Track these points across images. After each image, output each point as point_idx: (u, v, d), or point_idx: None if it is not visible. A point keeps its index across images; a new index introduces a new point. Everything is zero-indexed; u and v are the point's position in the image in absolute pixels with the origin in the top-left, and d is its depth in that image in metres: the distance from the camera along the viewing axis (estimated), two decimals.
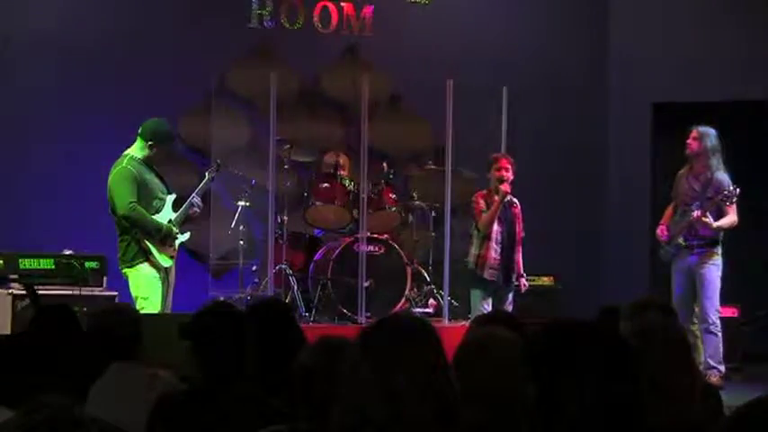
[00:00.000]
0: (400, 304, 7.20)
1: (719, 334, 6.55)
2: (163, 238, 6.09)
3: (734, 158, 6.86)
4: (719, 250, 6.65)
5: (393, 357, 1.97)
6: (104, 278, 6.65)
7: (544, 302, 7.77)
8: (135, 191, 6.01)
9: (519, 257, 6.72)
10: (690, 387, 2.51)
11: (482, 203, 6.65)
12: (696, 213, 6.58)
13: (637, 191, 8.62)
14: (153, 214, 6.10)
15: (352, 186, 7.41)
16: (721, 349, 6.56)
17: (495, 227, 6.60)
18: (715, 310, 6.58)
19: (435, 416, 1.93)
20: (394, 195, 7.51)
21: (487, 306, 6.51)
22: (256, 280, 7.52)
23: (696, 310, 6.59)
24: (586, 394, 1.96)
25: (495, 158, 6.71)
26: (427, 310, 7.48)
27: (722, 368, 6.54)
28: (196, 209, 6.32)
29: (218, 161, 6.67)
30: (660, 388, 2.37)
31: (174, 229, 6.16)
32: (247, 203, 7.52)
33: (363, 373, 1.96)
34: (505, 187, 6.54)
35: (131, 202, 5.98)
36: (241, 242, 7.57)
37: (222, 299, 6.77)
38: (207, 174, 6.50)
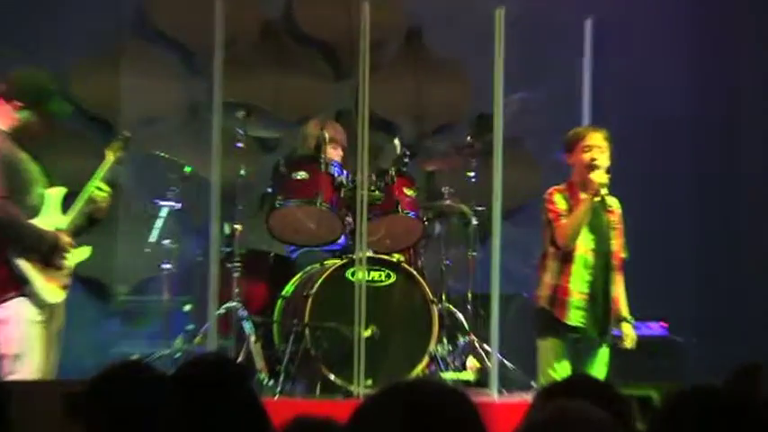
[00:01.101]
0: (421, 366, 7.22)
1: None
2: (47, 254, 6.05)
3: None
4: None
5: None
6: None
7: (653, 361, 7.82)
8: (1, 179, 5.99)
9: (620, 291, 6.67)
10: None
11: (560, 204, 6.61)
12: None
13: None
14: (29, 217, 6.06)
15: (344, 178, 7.41)
16: None
17: (583, 242, 6.56)
18: None
19: None
20: (411, 191, 7.49)
21: (563, 369, 6.51)
22: (190, 326, 7.54)
23: None
24: None
25: (579, 133, 6.68)
26: (465, 375, 7.50)
27: None
28: (101, 203, 6.28)
29: (126, 133, 6.64)
30: None
31: (65, 239, 6.13)
32: (177, 205, 7.56)
33: None
34: (599, 178, 6.49)
35: None
36: (167, 267, 7.61)
37: (136, 357, 6.78)
38: (108, 152, 6.44)
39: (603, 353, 6.63)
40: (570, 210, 6.59)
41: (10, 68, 6.26)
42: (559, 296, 6.58)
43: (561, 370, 6.49)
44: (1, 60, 6.75)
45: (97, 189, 6.29)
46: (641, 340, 7.69)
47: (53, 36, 7.94)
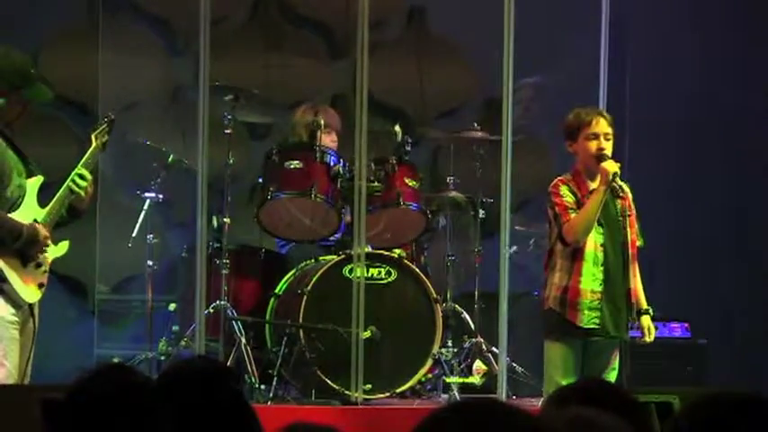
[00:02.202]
0: (425, 369, 7.26)
1: None
2: (24, 248, 6.02)
3: None
4: None
5: None
6: None
7: (674, 367, 7.84)
8: None
9: (636, 283, 6.63)
10: None
11: (567, 197, 6.57)
12: None
13: None
14: (8, 210, 6.05)
15: (340, 167, 7.43)
16: None
17: (593, 236, 6.53)
18: None
19: None
20: (413, 182, 7.51)
21: (572, 373, 6.47)
22: (176, 328, 7.59)
23: None
24: None
25: (583, 119, 6.61)
26: (471, 379, 7.50)
27: None
28: (81, 192, 6.23)
29: (111, 115, 6.58)
30: None
31: (43, 233, 6.10)
32: (160, 196, 7.61)
33: None
34: (612, 167, 6.44)
35: None
36: (150, 264, 7.65)
37: (117, 360, 6.77)
38: (93, 136, 6.35)
39: (615, 355, 6.61)
40: (578, 202, 6.53)
41: None
42: (570, 298, 6.52)
43: (569, 374, 6.46)
44: None
45: (79, 177, 6.24)
46: (664, 342, 7.78)
47: (30, 12, 7.91)
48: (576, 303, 6.50)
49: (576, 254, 6.52)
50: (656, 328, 6.88)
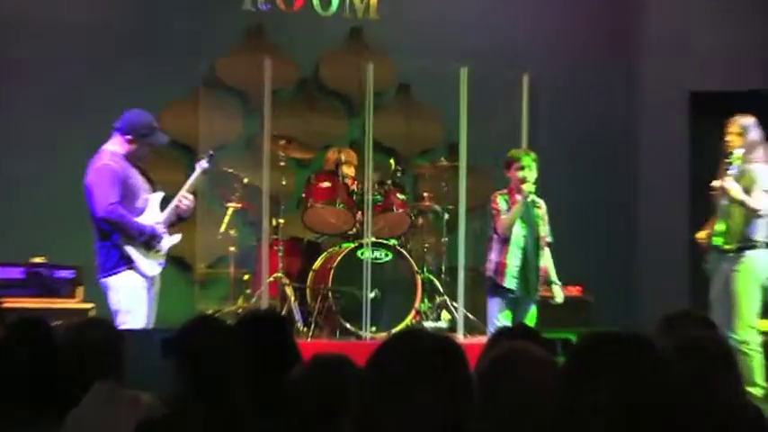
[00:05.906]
0: (410, 317, 7.18)
1: (753, 353, 6.34)
2: (147, 241, 5.98)
3: None
4: (755, 255, 6.36)
5: (408, 383, 1.91)
6: (79, 289, 6.60)
7: (571, 315, 7.58)
8: (116, 190, 5.84)
9: (548, 262, 6.62)
10: (731, 406, 2.49)
11: (501, 204, 6.57)
12: (717, 183, 6.46)
13: (674, 189, 8.54)
14: (137, 216, 5.99)
15: (355, 186, 7.40)
16: (758, 370, 6.36)
17: (517, 230, 6.53)
18: (747, 325, 6.30)
19: None
20: (402, 196, 7.50)
21: (506, 319, 6.40)
22: (248, 291, 7.52)
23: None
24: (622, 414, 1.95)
25: (515, 155, 6.60)
26: (440, 324, 7.44)
27: (754, 391, 6.35)
28: (187, 203, 6.11)
29: (211, 152, 6.42)
30: (701, 407, 2.35)
31: (160, 230, 6.09)
32: (238, 205, 7.51)
33: (374, 398, 1.92)
34: (528, 188, 6.46)
35: (112, 203, 5.84)
36: (231, 249, 7.58)
37: (210, 312, 6.75)
38: (197, 166, 6.23)
39: (533, 308, 6.55)
40: (509, 208, 6.55)
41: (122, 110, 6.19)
42: (500, 268, 6.53)
43: (503, 319, 6.39)
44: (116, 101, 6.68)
45: (185, 198, 6.19)
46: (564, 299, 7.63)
47: (155, 86, 7.88)
48: (503, 272, 6.49)
49: (506, 241, 6.53)
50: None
